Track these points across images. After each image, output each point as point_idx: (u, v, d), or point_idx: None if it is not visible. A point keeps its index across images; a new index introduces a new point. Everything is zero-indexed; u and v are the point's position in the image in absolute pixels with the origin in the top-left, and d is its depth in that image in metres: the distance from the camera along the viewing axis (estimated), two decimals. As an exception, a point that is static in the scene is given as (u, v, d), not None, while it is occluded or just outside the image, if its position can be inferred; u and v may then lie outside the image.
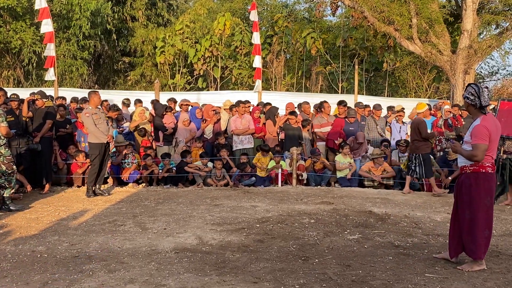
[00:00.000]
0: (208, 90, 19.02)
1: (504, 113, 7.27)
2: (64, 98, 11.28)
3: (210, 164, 9.86)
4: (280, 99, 13.38)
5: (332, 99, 12.68)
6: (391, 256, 4.92)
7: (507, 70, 32.58)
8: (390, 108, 12.02)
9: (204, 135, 10.69)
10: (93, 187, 8.45)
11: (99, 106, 8.81)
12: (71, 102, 11.38)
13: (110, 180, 9.69)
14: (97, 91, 9.06)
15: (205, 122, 10.77)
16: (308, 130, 10.59)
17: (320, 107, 10.89)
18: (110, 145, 8.81)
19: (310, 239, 5.54)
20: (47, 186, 8.82)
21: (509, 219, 6.86)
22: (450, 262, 4.70)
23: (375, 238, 5.62)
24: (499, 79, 24.26)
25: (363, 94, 17.06)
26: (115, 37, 21.50)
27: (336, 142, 10.16)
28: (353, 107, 11.52)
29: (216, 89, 18.65)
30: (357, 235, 5.74)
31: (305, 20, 21.15)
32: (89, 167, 8.67)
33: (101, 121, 8.42)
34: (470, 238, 4.51)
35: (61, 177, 9.57)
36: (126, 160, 9.59)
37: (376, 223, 6.41)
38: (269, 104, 11.38)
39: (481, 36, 15.71)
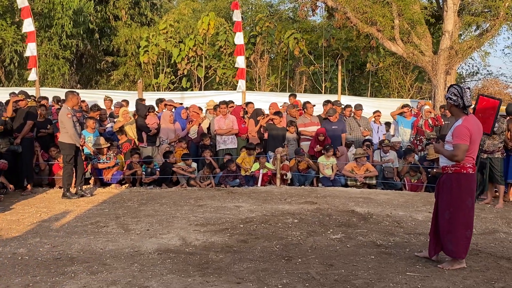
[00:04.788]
0: (192, 90, 18.97)
1: (481, 110, 7.37)
2: (46, 98, 11.15)
3: (194, 165, 9.85)
4: (264, 99, 13.43)
5: (316, 99, 12.77)
6: (373, 255, 4.97)
7: (488, 71, 33.12)
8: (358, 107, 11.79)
9: (189, 135, 10.68)
10: (75, 188, 8.37)
11: (75, 107, 8.70)
12: (53, 101, 11.25)
13: (92, 181, 9.61)
14: (75, 91, 8.95)
15: (190, 123, 10.76)
16: (293, 132, 10.62)
17: (303, 107, 10.96)
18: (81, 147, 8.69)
19: (293, 239, 5.57)
20: (28, 187, 8.71)
21: (488, 218, 6.97)
22: (431, 261, 4.76)
23: (357, 238, 5.67)
24: (479, 79, 24.66)
25: (346, 94, 17.18)
26: (97, 37, 21.31)
27: (315, 150, 10.20)
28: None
29: (200, 89, 18.62)
30: (340, 235, 5.78)
31: (290, 20, 21.21)
32: (63, 168, 8.39)
33: (77, 123, 8.35)
34: (450, 238, 4.56)
35: (43, 178, 9.46)
36: (107, 161, 9.50)
37: (358, 223, 6.46)
38: (251, 103, 11.41)
39: (462, 37, 15.91)
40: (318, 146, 10.18)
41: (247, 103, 11.51)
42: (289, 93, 12.93)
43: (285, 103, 12.20)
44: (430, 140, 10.30)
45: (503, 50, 29.38)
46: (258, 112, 10.83)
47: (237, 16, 13.64)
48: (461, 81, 22.80)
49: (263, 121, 10.62)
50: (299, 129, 10.68)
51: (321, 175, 10.03)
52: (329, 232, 5.92)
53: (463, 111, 4.60)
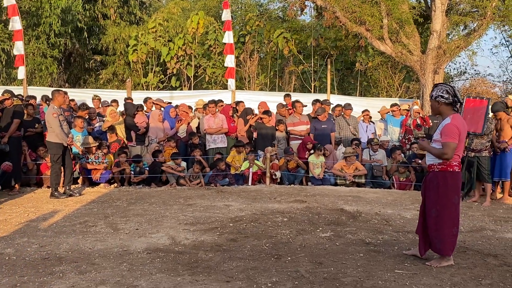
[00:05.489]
0: (181, 89, 18.92)
1: (470, 111, 7.45)
2: (34, 97, 11.05)
3: (183, 164, 9.82)
4: (254, 98, 13.43)
5: (305, 98, 12.80)
6: (362, 253, 4.99)
7: (475, 70, 33.43)
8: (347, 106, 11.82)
9: (178, 134, 10.65)
10: (64, 188, 8.31)
11: (62, 106, 8.63)
12: (41, 101, 11.14)
13: (80, 180, 9.55)
14: (61, 90, 8.88)
15: (179, 122, 10.73)
16: (283, 131, 10.64)
17: (293, 106, 10.98)
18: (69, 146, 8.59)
19: (283, 238, 5.58)
20: (16, 187, 8.64)
21: (476, 216, 7.04)
22: (419, 258, 4.79)
23: (346, 236, 5.69)
24: (467, 79, 24.88)
25: (335, 93, 17.23)
26: (86, 35, 21.15)
27: (307, 157, 10.22)
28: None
29: (189, 88, 18.56)
30: (329, 233, 5.80)
31: (279, 20, 21.23)
32: (51, 167, 8.31)
33: (64, 122, 8.28)
34: (437, 235, 4.59)
35: (31, 178, 9.38)
36: (96, 161, 9.45)
37: (347, 221, 6.49)
38: (241, 102, 11.41)
39: (450, 37, 16.03)
40: (307, 153, 10.20)
41: (238, 102, 11.51)
42: (284, 93, 12.92)
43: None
44: (418, 139, 10.37)
45: (491, 49, 29.68)
46: (247, 111, 10.84)
47: (226, 15, 13.62)
48: (449, 80, 22.97)
49: (252, 120, 10.62)
50: (288, 128, 10.70)
51: (310, 174, 10.06)
52: (318, 230, 5.94)
53: (453, 108, 4.62)
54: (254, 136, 10.81)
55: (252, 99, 13.41)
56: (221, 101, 11.83)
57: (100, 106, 11.55)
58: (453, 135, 4.48)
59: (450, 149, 4.47)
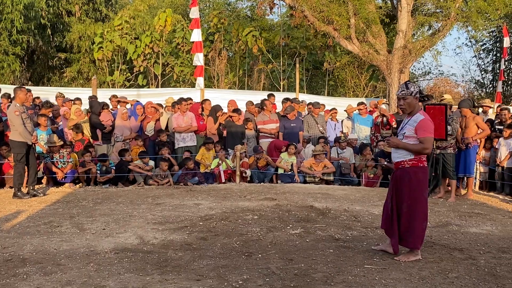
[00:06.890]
0: (148, 87, 18.67)
1: (431, 118, 7.56)
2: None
3: (151, 163, 9.67)
4: (223, 97, 13.36)
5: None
6: (331, 249, 5.01)
7: (439, 70, 34.26)
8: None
9: (146, 132, 10.48)
10: (27, 188, 8.06)
11: (25, 103, 8.36)
12: (3, 98, 10.77)
13: (44, 180, 9.29)
14: (23, 87, 8.60)
15: (145, 118, 10.55)
16: (252, 129, 10.62)
17: (262, 105, 10.98)
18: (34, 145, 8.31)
19: (253, 235, 5.56)
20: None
21: (441, 211, 7.19)
22: (388, 253, 4.83)
23: (316, 232, 5.71)
24: (431, 79, 25.49)
25: (304, 92, 17.34)
26: (50, 32, 20.62)
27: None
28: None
29: (157, 87, 18.34)
30: (299, 230, 5.81)
31: (248, 18, 21.22)
32: (14, 167, 8.02)
33: (28, 120, 8.02)
34: (409, 229, 4.65)
35: (-8, 178, 9.08)
36: (61, 160, 9.22)
37: (317, 218, 6.52)
38: (207, 100, 11.29)
39: (415, 37, 16.36)
40: (281, 151, 10.23)
41: (204, 101, 11.40)
42: (268, 93, 12.87)
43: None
44: (385, 138, 10.49)
45: (454, 49, 30.51)
46: (217, 108, 10.76)
47: (195, 12, 13.48)
48: (414, 80, 23.45)
49: (221, 118, 10.57)
50: (258, 126, 10.69)
51: (279, 171, 10.07)
52: (288, 227, 5.94)
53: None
54: (224, 134, 10.75)
55: (221, 97, 13.33)
56: (190, 99, 11.69)
57: (63, 104, 11.25)
58: (430, 130, 4.57)
59: (430, 143, 4.56)
